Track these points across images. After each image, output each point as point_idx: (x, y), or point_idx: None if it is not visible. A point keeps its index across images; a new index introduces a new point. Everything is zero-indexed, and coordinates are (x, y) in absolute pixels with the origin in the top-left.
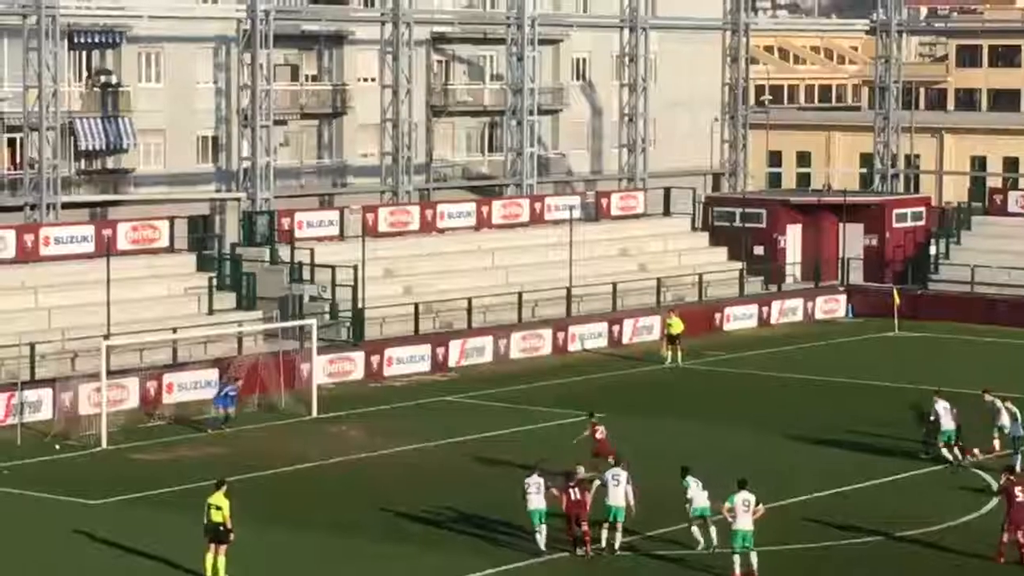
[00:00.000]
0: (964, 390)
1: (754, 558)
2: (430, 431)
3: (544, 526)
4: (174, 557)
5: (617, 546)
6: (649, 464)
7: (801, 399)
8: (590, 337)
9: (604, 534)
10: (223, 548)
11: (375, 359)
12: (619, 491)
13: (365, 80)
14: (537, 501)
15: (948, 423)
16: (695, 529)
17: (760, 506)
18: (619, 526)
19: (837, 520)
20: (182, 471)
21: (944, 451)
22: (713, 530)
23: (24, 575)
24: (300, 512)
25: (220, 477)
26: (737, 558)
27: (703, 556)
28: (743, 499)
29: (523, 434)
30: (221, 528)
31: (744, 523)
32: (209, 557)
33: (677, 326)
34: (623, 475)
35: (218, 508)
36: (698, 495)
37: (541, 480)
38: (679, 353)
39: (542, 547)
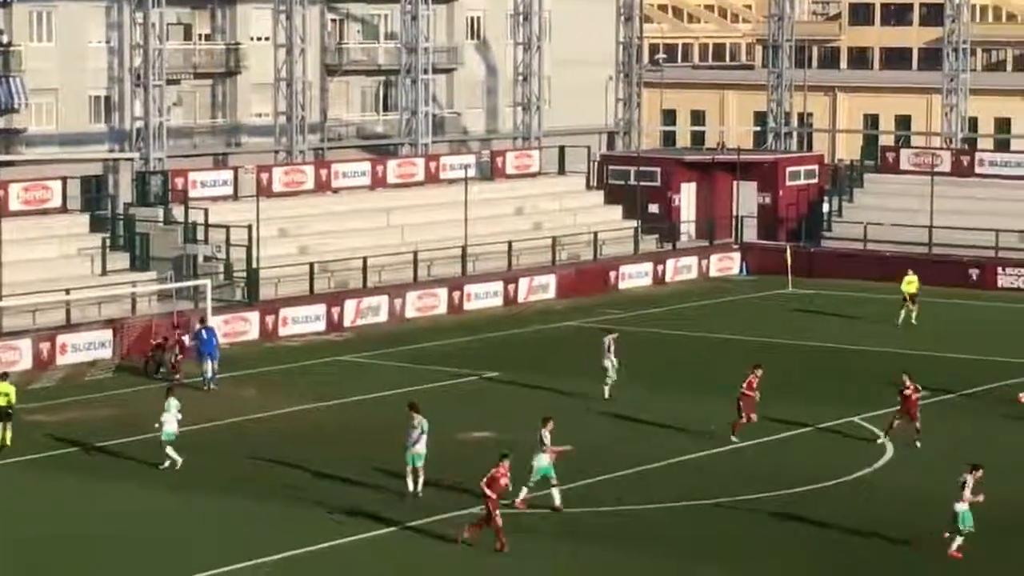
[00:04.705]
0: (853, 346)
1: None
2: (324, 391)
3: None
4: (67, 520)
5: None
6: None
7: (694, 356)
8: (485, 296)
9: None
10: (8, 424)
11: (270, 319)
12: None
13: (259, 39)
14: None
15: None
16: (169, 449)
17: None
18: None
19: (732, 476)
20: (75, 432)
21: None
22: (171, 450)
23: None
24: (187, 473)
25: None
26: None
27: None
28: (973, 481)
29: (418, 393)
30: (9, 410)
31: (962, 504)
32: None
33: (914, 284)
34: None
35: (4, 394)
36: (169, 419)
37: None
38: (912, 312)
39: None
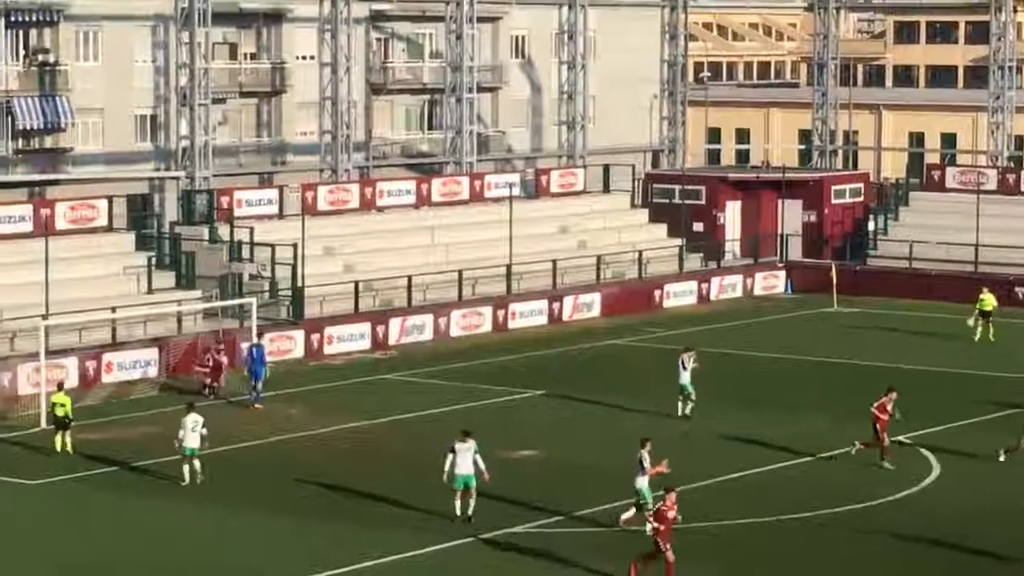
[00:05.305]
0: (900, 365)
1: None
2: (369, 409)
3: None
4: (110, 537)
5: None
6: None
7: (739, 375)
8: (530, 314)
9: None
10: (68, 432)
11: (315, 337)
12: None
13: (304, 58)
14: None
15: None
16: (186, 468)
17: None
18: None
19: (768, 496)
20: (120, 450)
21: None
22: (197, 463)
23: None
24: (236, 490)
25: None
26: None
27: None
28: None
29: (463, 412)
30: (67, 419)
31: None
32: (58, 439)
33: (989, 302)
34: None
35: (62, 405)
36: (189, 435)
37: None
38: (989, 330)
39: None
